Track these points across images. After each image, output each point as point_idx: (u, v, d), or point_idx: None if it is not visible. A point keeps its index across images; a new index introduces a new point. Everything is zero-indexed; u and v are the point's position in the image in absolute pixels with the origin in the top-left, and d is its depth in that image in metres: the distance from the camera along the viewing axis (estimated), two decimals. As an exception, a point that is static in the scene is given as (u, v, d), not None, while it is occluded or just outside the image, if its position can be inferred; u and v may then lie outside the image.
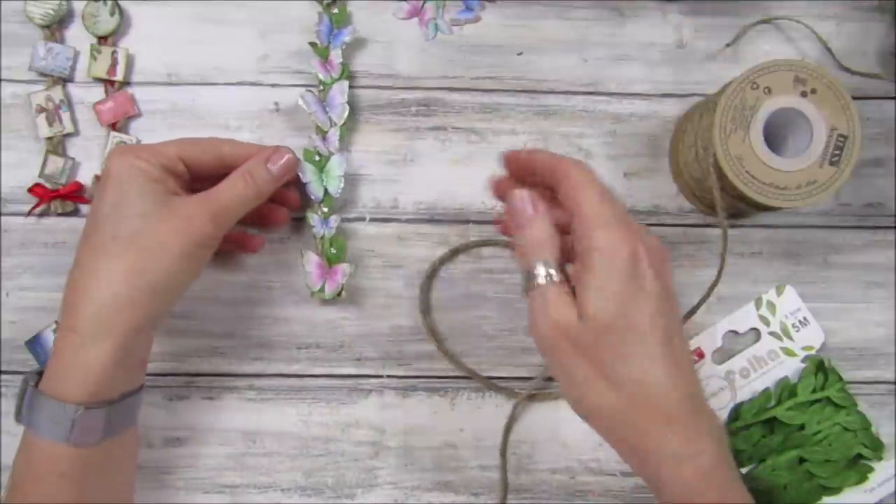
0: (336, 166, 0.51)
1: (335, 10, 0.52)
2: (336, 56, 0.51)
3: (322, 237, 0.51)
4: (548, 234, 0.39)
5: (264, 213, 0.50)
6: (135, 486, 0.46)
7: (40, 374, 0.42)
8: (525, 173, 0.42)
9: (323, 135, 0.51)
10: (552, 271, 0.38)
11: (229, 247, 0.51)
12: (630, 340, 0.36)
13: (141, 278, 0.41)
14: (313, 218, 0.51)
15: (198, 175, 0.46)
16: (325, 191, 0.51)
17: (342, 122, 0.51)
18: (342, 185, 0.50)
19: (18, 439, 0.51)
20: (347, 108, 0.51)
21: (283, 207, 0.51)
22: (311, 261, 0.50)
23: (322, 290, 0.50)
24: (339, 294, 0.50)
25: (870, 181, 0.54)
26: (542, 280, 0.38)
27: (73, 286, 0.42)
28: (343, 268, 0.50)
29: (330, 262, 0.51)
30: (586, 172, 0.39)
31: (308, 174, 0.50)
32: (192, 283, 0.45)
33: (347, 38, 0.51)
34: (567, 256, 0.40)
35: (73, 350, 0.41)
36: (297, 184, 0.50)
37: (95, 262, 0.42)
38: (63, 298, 0.42)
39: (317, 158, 0.51)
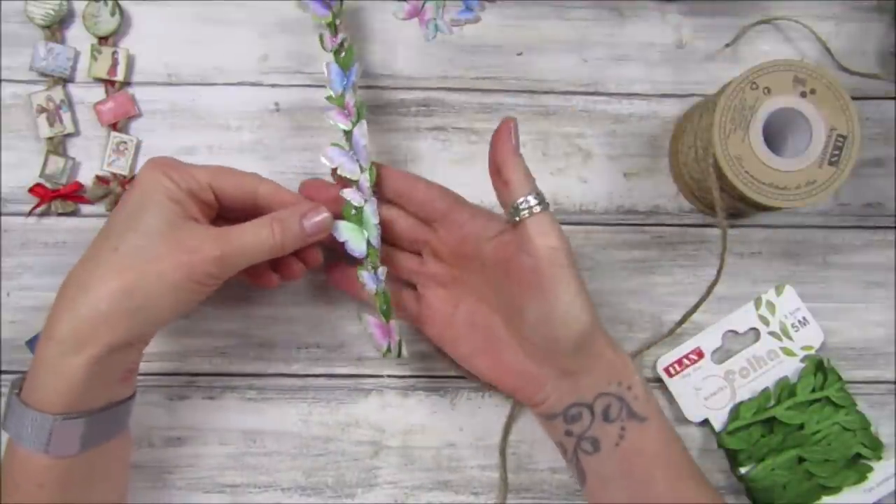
0: (370, 215, 0.47)
1: (342, 55, 0.49)
2: (350, 97, 0.48)
3: (377, 292, 0.47)
4: (528, 170, 0.44)
5: (277, 264, 0.47)
6: (126, 493, 0.46)
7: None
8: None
9: (355, 184, 0.48)
10: (542, 201, 0.43)
11: (241, 277, 0.47)
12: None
13: (128, 300, 0.40)
14: (363, 275, 0.47)
15: (227, 207, 0.45)
16: (368, 242, 0.47)
17: (369, 164, 0.48)
18: (380, 232, 0.47)
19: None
20: (368, 146, 0.48)
21: (300, 263, 0.47)
22: (371, 323, 0.48)
23: (389, 349, 0.48)
24: (399, 353, 0.48)
25: (869, 181, 0.55)
26: (538, 207, 0.42)
27: (63, 292, 0.41)
28: (394, 324, 0.48)
29: (386, 318, 0.48)
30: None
31: (344, 233, 0.47)
32: (184, 313, 0.43)
33: (356, 78, 0.48)
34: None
35: (49, 359, 0.39)
36: (335, 244, 0.47)
37: (89, 270, 0.41)
38: (54, 300, 0.41)
39: (353, 212, 0.47)
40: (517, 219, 0.43)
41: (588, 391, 0.44)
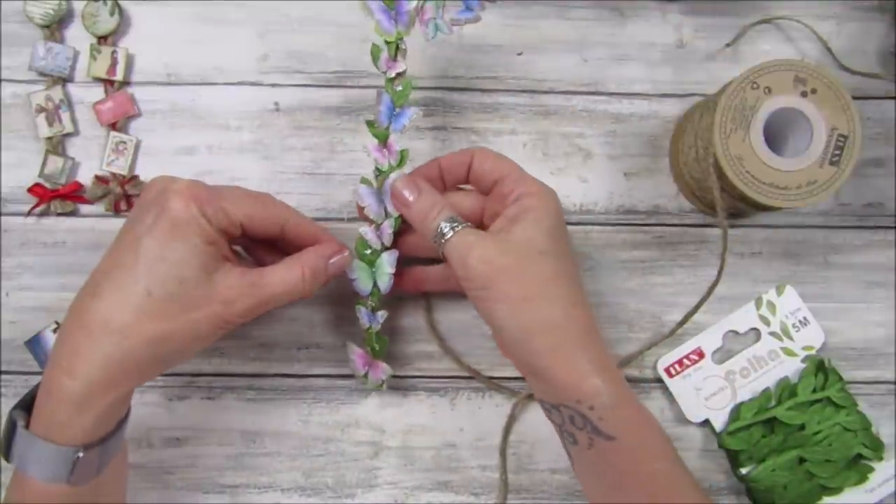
0: (386, 263, 0.47)
1: (399, 87, 0.45)
2: (395, 140, 0.46)
3: (369, 329, 0.48)
4: (438, 200, 0.44)
5: None
6: (125, 493, 0.46)
7: (25, 408, 0.40)
8: (442, 184, 0.47)
9: (377, 227, 0.47)
10: (456, 223, 0.43)
11: None
12: (560, 265, 0.42)
13: (161, 348, 0.39)
14: (361, 311, 0.48)
15: (252, 236, 0.44)
16: (374, 284, 0.47)
17: (397, 213, 0.46)
18: (391, 282, 0.47)
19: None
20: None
21: None
22: (354, 352, 0.49)
23: (366, 376, 0.49)
24: (380, 386, 0.50)
25: (870, 181, 0.54)
26: (451, 232, 0.42)
27: (87, 327, 0.39)
28: (384, 367, 0.49)
29: (375, 355, 0.49)
30: (491, 150, 0.46)
31: (356, 270, 0.47)
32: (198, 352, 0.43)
33: (407, 122, 0.45)
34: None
35: (72, 396, 0.38)
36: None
37: (118, 311, 0.39)
38: (67, 326, 0.40)
39: (368, 251, 0.47)
40: (441, 252, 0.43)
41: (551, 397, 0.42)
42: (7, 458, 0.40)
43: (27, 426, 0.39)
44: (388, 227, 0.47)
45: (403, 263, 0.48)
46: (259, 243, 0.47)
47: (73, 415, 0.39)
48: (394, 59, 0.45)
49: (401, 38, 0.45)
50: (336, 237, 0.47)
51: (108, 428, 0.41)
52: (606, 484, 0.43)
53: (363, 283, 0.47)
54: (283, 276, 0.43)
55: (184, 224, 0.40)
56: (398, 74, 0.45)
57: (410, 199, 0.44)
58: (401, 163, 0.46)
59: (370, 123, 0.46)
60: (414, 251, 0.48)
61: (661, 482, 0.41)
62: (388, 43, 0.45)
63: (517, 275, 0.41)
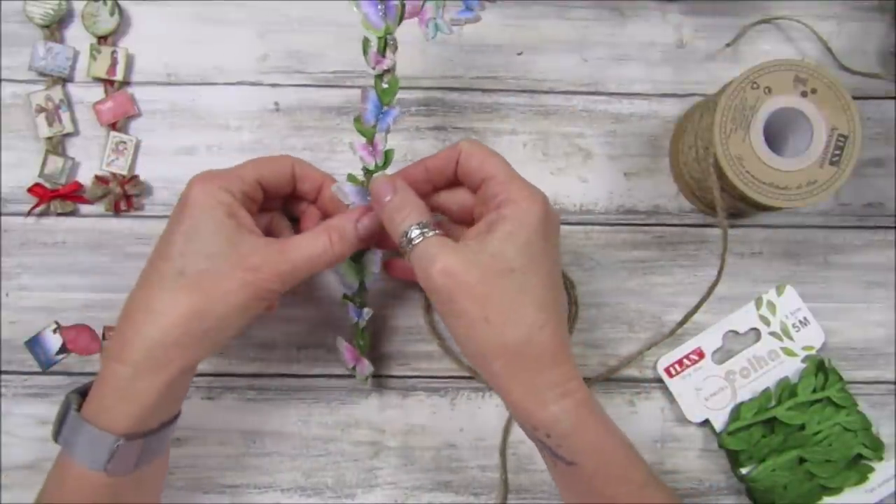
0: (371, 263, 0.47)
1: (385, 84, 0.44)
2: (381, 140, 0.45)
3: (356, 324, 0.49)
4: (411, 201, 0.42)
5: None
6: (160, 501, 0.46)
7: (82, 393, 0.42)
8: (430, 185, 0.45)
9: None
10: (426, 229, 0.41)
11: None
12: (530, 284, 0.39)
13: (198, 323, 0.40)
14: (349, 305, 0.49)
15: (270, 197, 0.46)
16: (362, 283, 0.48)
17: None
18: (375, 280, 0.48)
19: (18, 439, 0.51)
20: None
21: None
22: (343, 345, 0.50)
23: (355, 370, 0.50)
24: (364, 381, 0.51)
25: (870, 181, 0.54)
26: (418, 238, 0.40)
27: (130, 315, 0.41)
28: (367, 364, 0.50)
29: (360, 350, 0.50)
30: (480, 145, 0.43)
31: (341, 267, 0.48)
32: (244, 329, 0.43)
33: (391, 122, 0.45)
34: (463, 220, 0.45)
35: (120, 382, 0.40)
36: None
37: (156, 294, 0.40)
38: (118, 322, 0.41)
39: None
40: (407, 258, 0.41)
41: (513, 415, 0.42)
42: (56, 439, 0.41)
43: (79, 409, 0.41)
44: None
45: (394, 253, 0.48)
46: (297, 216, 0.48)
47: (118, 400, 0.40)
48: (382, 54, 0.44)
49: (389, 33, 0.44)
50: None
51: (151, 424, 0.41)
52: (571, 499, 0.43)
53: (350, 280, 0.48)
54: (310, 241, 0.43)
55: (203, 204, 0.41)
56: (386, 71, 0.44)
57: (385, 199, 0.42)
58: (385, 163, 0.45)
59: (357, 121, 0.45)
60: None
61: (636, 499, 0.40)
62: (378, 38, 0.44)
63: (480, 293, 0.39)
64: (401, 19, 0.44)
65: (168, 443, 0.44)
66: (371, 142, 0.45)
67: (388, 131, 0.45)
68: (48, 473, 0.42)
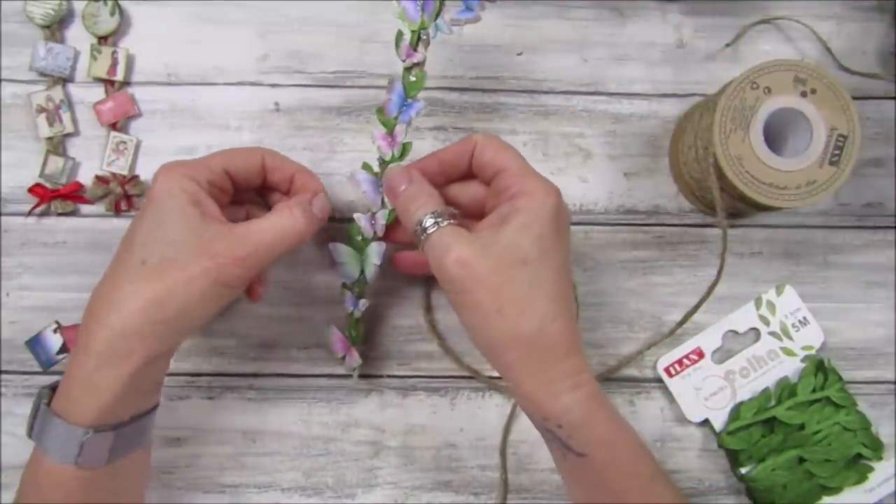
0: (374, 254, 0.47)
1: (413, 77, 0.45)
2: (401, 132, 0.46)
3: (351, 314, 0.49)
4: (426, 191, 0.42)
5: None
6: (143, 499, 0.46)
7: (53, 388, 0.41)
8: (443, 178, 0.45)
9: (372, 215, 0.47)
10: (440, 219, 0.41)
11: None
12: (542, 277, 0.40)
13: (160, 311, 0.39)
14: (346, 294, 0.49)
15: (239, 189, 0.45)
16: (362, 272, 0.48)
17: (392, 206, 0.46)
18: (377, 272, 0.48)
19: (18, 439, 0.51)
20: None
21: (261, 286, 0.47)
22: (335, 334, 0.50)
23: (343, 359, 0.50)
24: (353, 371, 0.50)
25: (870, 181, 0.55)
26: (433, 228, 0.40)
27: (93, 306, 0.41)
28: (356, 356, 0.50)
29: (352, 341, 0.50)
30: (495, 138, 0.44)
31: (343, 255, 0.48)
32: (212, 318, 0.43)
33: (414, 115, 0.45)
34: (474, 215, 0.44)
35: (85, 373, 0.39)
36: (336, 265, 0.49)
37: (118, 284, 0.40)
38: (83, 314, 0.41)
39: (359, 238, 0.48)
40: (421, 248, 0.42)
41: (524, 407, 0.42)
42: (29, 434, 0.41)
43: (48, 403, 0.41)
44: (381, 218, 0.47)
45: (401, 247, 0.48)
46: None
47: (84, 391, 0.40)
48: (414, 48, 0.45)
49: (424, 28, 0.44)
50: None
51: (122, 416, 0.41)
52: (579, 494, 0.43)
53: (351, 269, 0.48)
54: (273, 221, 0.42)
55: (167, 193, 0.41)
56: (416, 65, 0.45)
57: (400, 188, 0.43)
58: (402, 155, 0.46)
59: (380, 111, 0.46)
60: (406, 239, 0.47)
61: (630, 499, 0.40)
62: (412, 32, 0.44)
63: (493, 284, 0.39)
64: (437, 15, 0.44)
65: (148, 436, 0.44)
66: (391, 133, 0.46)
67: (409, 124, 0.45)
68: (23, 471, 0.42)
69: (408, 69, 0.45)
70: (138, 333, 0.39)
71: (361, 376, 0.52)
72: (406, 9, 0.44)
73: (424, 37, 0.44)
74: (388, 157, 0.46)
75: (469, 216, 0.45)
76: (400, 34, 0.45)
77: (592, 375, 0.41)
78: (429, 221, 0.41)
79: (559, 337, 0.40)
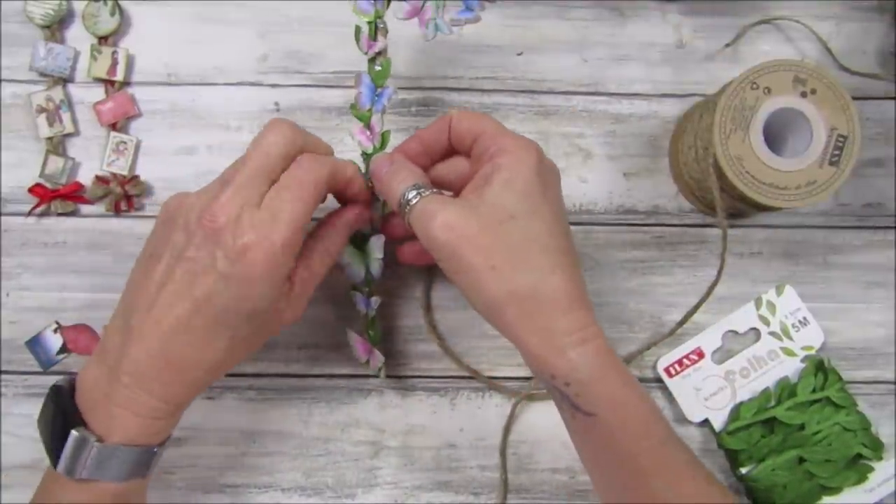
0: (375, 248, 0.47)
1: (378, 67, 0.46)
2: (377, 122, 0.46)
3: (366, 314, 0.49)
4: (406, 167, 0.42)
5: None
6: None
7: (67, 420, 0.39)
8: (426, 158, 0.45)
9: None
10: (422, 189, 0.40)
11: None
12: (533, 230, 0.39)
13: (224, 371, 0.42)
14: (357, 296, 0.49)
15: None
16: (368, 271, 0.48)
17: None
18: (382, 267, 0.47)
19: (18, 439, 0.51)
20: None
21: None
22: (354, 339, 0.49)
23: (368, 363, 0.50)
24: (378, 372, 0.50)
25: (870, 181, 0.55)
26: (416, 199, 0.40)
27: (168, 357, 0.39)
28: (378, 355, 0.49)
29: (372, 341, 0.49)
30: (469, 110, 0.44)
31: (346, 256, 0.47)
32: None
33: (387, 102, 0.46)
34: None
35: (148, 412, 0.40)
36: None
37: (200, 348, 0.40)
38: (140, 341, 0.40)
39: (358, 236, 0.48)
40: (407, 222, 0.41)
41: (530, 366, 0.41)
42: (71, 474, 0.39)
43: (98, 440, 0.40)
44: (375, 212, 0.47)
45: (403, 240, 0.48)
46: None
47: (151, 420, 0.41)
48: (373, 38, 0.45)
49: (379, 17, 0.45)
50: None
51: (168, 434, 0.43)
52: (589, 455, 0.41)
53: (357, 269, 0.48)
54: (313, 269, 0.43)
55: (266, 269, 0.39)
56: (378, 54, 0.45)
57: (383, 171, 0.43)
58: (383, 145, 0.46)
59: (353, 107, 0.46)
60: (403, 231, 0.47)
61: (642, 462, 0.39)
62: (368, 22, 0.45)
63: (483, 243, 0.38)
64: (388, 3, 0.45)
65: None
66: (368, 125, 0.46)
67: (384, 112, 0.46)
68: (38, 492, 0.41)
69: (371, 60, 0.46)
70: (203, 386, 0.42)
71: (361, 376, 0.52)
72: (359, 4, 0.45)
73: (381, 25, 0.45)
74: (370, 150, 0.46)
75: (459, 194, 0.44)
76: (358, 29, 0.45)
77: (601, 330, 0.39)
78: (411, 193, 0.40)
79: (559, 290, 0.39)
